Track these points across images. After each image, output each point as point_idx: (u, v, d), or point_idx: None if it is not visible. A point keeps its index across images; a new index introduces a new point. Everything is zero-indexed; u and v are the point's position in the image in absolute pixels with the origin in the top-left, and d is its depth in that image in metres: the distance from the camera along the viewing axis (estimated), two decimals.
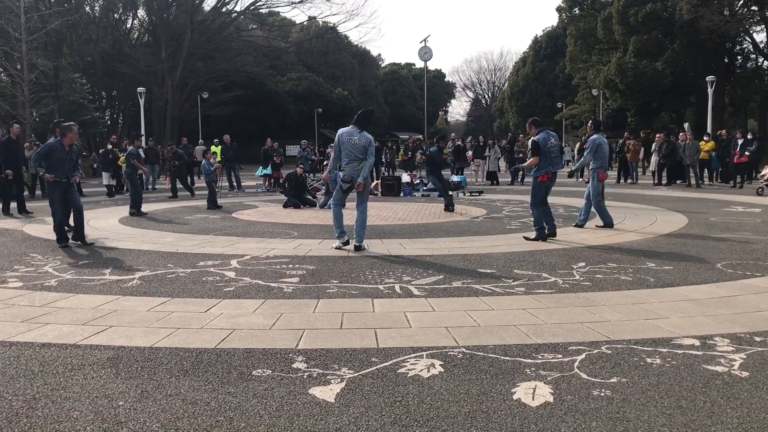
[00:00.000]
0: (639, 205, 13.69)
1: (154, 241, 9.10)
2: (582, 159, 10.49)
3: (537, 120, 9.34)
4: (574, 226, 10.28)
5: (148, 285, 6.18)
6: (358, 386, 3.51)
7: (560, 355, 4.01)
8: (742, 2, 37.28)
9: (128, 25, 48.65)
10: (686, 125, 23.79)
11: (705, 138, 20.08)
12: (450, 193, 15.15)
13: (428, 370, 3.75)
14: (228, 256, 7.80)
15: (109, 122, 45.15)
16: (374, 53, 78.43)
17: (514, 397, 3.36)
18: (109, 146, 19.49)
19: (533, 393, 3.41)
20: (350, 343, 4.29)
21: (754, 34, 43.36)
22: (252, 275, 6.59)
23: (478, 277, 6.47)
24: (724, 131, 20.45)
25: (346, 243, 8.16)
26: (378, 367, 3.81)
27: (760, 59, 43.63)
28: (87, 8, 42.77)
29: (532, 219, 9.12)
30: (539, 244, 8.61)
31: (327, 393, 3.41)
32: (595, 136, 10.09)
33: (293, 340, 4.35)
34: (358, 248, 8.01)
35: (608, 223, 10.12)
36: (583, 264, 7.12)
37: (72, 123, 9.36)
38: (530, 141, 9.15)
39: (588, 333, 4.50)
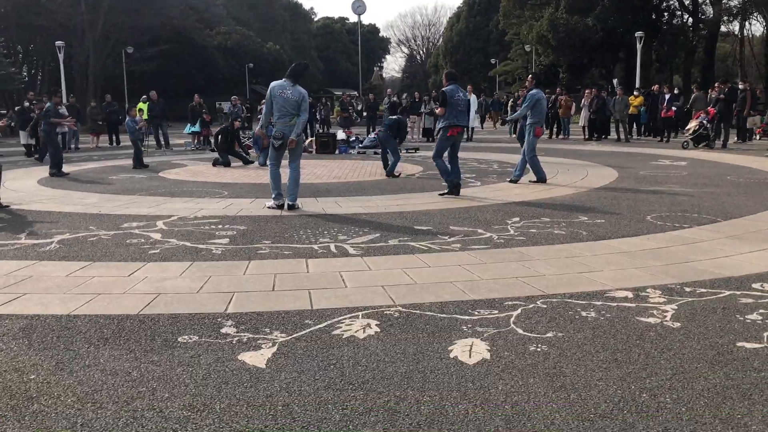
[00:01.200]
0: (571, 160, 13.89)
1: (75, 203, 8.64)
2: (519, 111, 10.47)
3: (450, 72, 9.47)
4: (509, 181, 10.32)
5: (68, 249, 5.83)
6: (290, 350, 3.37)
7: (496, 311, 3.97)
8: None
9: None
10: (615, 81, 24.18)
11: (635, 93, 20.48)
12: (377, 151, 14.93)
13: (364, 331, 3.64)
14: (154, 217, 7.46)
15: (26, 78, 42.78)
16: (306, 6, 76.82)
17: (451, 355, 3.29)
18: (26, 103, 18.41)
19: (470, 350, 3.35)
20: (283, 305, 4.13)
21: None
22: (179, 237, 6.31)
23: (414, 234, 6.38)
24: (656, 86, 20.85)
25: (281, 206, 7.90)
26: (312, 329, 3.68)
27: (686, 16, 44.80)
28: None
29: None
30: (473, 199, 8.59)
31: (257, 358, 3.26)
32: (534, 91, 10.07)
33: (222, 303, 4.16)
34: (291, 207, 7.80)
35: (541, 179, 10.20)
36: (518, 219, 7.13)
37: None
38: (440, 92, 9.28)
39: (523, 288, 4.48)
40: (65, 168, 12.56)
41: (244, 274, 4.92)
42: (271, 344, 3.45)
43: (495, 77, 57.69)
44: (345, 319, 3.85)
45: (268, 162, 8.19)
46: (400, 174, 11.67)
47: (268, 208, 7.87)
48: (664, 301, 4.17)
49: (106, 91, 31.04)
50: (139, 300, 4.25)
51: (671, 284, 4.55)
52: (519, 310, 3.98)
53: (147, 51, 43.12)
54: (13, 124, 14.65)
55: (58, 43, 29.04)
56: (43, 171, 12.58)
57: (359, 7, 46.08)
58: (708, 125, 16.58)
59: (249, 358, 3.27)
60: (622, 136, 19.91)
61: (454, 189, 8.84)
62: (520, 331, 3.63)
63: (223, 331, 3.66)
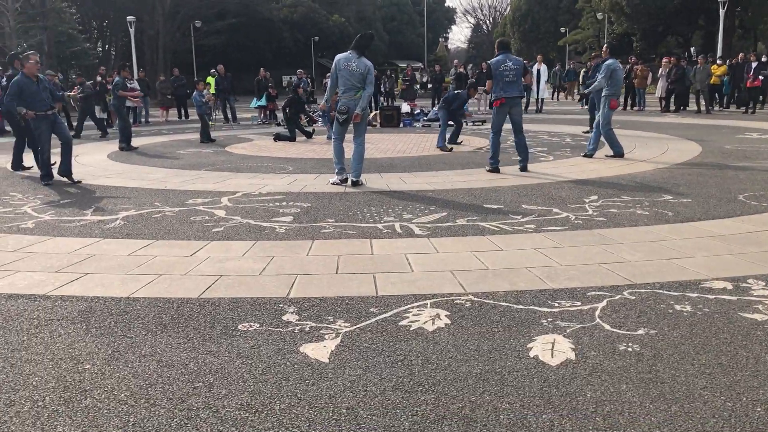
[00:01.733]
0: (648, 133, 13.15)
1: (142, 178, 8.65)
2: (596, 83, 9.88)
3: (501, 41, 8.85)
4: (583, 156, 9.80)
5: (132, 226, 5.77)
6: (355, 342, 3.13)
7: (579, 303, 3.63)
8: None
9: None
10: (692, 49, 22.70)
11: (718, 62, 19.28)
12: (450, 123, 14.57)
13: (433, 322, 3.38)
14: (219, 193, 7.36)
15: (101, 54, 43.95)
16: None
17: (531, 354, 2.99)
18: (99, 78, 18.75)
19: (552, 349, 3.04)
20: (347, 290, 3.90)
21: None
22: (243, 214, 6.17)
23: (484, 213, 6.04)
24: (741, 54, 19.57)
25: (345, 180, 7.67)
26: (377, 318, 3.44)
27: None
28: None
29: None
30: (546, 175, 8.15)
31: (320, 351, 3.04)
32: (610, 61, 9.48)
33: (285, 287, 3.96)
34: (355, 183, 7.57)
35: (618, 153, 9.64)
36: (596, 197, 6.69)
37: (31, 51, 8.79)
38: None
39: (607, 276, 4.11)
40: (134, 142, 12.71)
41: (308, 255, 4.72)
42: (334, 335, 3.22)
43: (565, 46, 55.83)
44: (412, 308, 3.59)
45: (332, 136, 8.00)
46: (452, 149, 11.28)
47: (332, 184, 7.66)
48: None
49: (176, 66, 31.57)
50: (200, 282, 4.10)
51: None
52: (604, 302, 3.63)
53: (215, 24, 43.56)
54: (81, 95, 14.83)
55: (129, 18, 29.57)
56: (113, 145, 12.77)
57: None
58: None
59: (311, 350, 3.05)
60: (703, 108, 18.82)
61: (493, 171, 8.48)
62: (607, 326, 3.29)
63: (285, 318, 3.46)
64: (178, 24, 41.37)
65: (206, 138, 13.38)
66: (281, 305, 3.66)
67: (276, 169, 9.29)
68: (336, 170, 7.76)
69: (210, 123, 17.46)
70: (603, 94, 9.49)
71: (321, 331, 3.28)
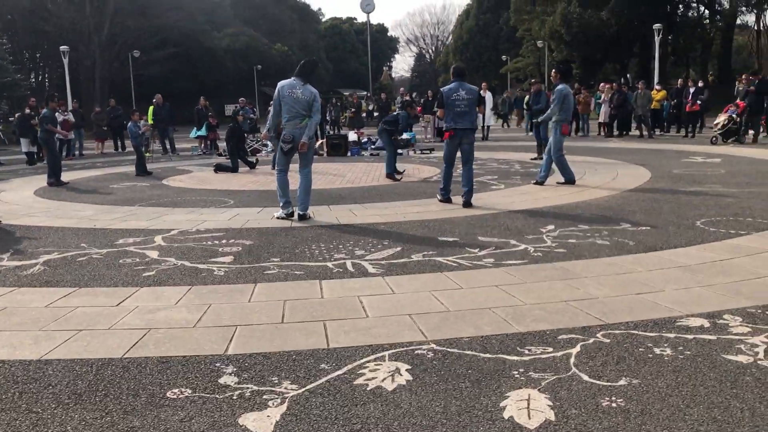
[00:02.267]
0: (596, 158, 13.15)
1: (70, 216, 8.03)
2: (549, 111, 9.72)
3: (456, 67, 8.26)
4: (534, 183, 9.62)
5: (53, 272, 5.21)
6: (303, 409, 2.71)
7: (551, 349, 3.30)
8: None
9: None
10: (628, 75, 23.09)
11: (657, 87, 19.68)
12: (399, 152, 14.29)
13: (393, 379, 2.98)
14: (153, 231, 6.82)
15: (34, 84, 42.43)
16: (314, 7, 76.22)
17: (505, 414, 2.62)
18: (28, 110, 17.86)
19: (528, 407, 2.67)
20: (294, 343, 3.47)
21: None
22: (178, 255, 5.67)
23: (439, 247, 5.71)
24: (680, 80, 20.04)
25: (291, 214, 7.24)
26: (329, 377, 3.02)
27: (701, 8, 43.84)
28: None
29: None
30: (499, 205, 7.90)
31: (263, 424, 2.60)
32: (561, 86, 9.36)
33: (222, 342, 3.51)
34: (302, 217, 7.14)
35: (570, 180, 9.50)
36: (552, 227, 6.44)
37: None
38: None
39: (577, 315, 3.80)
40: (66, 176, 12.01)
41: (249, 301, 4.27)
42: (279, 401, 2.79)
43: (506, 74, 56.85)
44: (369, 362, 3.19)
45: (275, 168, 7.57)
46: (401, 177, 10.95)
47: (277, 218, 7.22)
48: (749, 332, 3.48)
49: (114, 96, 30.54)
50: (125, 338, 3.61)
51: (750, 308, 3.85)
52: (578, 347, 3.30)
53: (154, 54, 42.62)
54: (14, 131, 14.04)
55: (63, 47, 28.63)
56: (42, 180, 12.00)
57: (368, 6, 45.57)
58: (737, 119, 15.78)
59: (252, 422, 2.61)
60: (645, 132, 19.12)
61: (444, 202, 8.15)
62: (585, 377, 2.95)
63: (222, 381, 3.01)
64: (115, 54, 40.33)
65: (142, 170, 12.75)
66: (218, 364, 3.21)
67: (216, 203, 8.78)
68: (281, 204, 7.32)
69: (147, 155, 16.78)
70: (553, 119, 9.36)
71: (264, 397, 2.84)
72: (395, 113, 12.19)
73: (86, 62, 38.07)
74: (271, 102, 8.15)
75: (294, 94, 6.97)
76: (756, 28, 45.56)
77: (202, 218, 7.53)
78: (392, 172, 11.05)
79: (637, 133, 19.43)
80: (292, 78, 7.11)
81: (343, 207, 8.12)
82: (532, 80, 15.88)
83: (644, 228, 6.27)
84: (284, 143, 7.10)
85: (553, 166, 9.52)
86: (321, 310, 4.02)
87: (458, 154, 8.13)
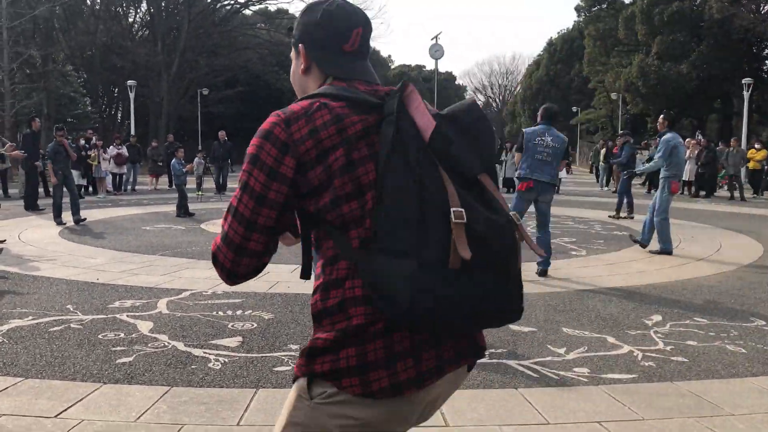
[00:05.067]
0: (687, 222, 11.47)
1: (78, 263, 6.97)
2: (653, 163, 8.31)
3: (547, 108, 6.91)
4: (636, 241, 8.10)
5: (9, 348, 4.05)
6: None
7: None
8: None
9: (130, 19, 46.79)
10: (698, 133, 21.18)
11: (756, 146, 17.79)
12: None
13: None
14: (160, 291, 5.65)
15: (105, 118, 43.23)
16: (384, 54, 76.44)
17: None
18: (82, 142, 17.42)
19: None
20: None
21: None
22: (176, 330, 4.45)
23: (511, 340, 4.31)
24: None
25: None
26: None
27: None
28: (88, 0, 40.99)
29: (555, 239, 6.96)
30: (583, 279, 6.44)
31: None
32: (669, 136, 7.91)
33: None
34: None
35: (667, 250, 7.96)
36: (660, 318, 4.95)
37: None
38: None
39: None
40: (107, 212, 11.13)
41: (239, 423, 2.98)
42: None
43: (577, 126, 55.14)
44: None
45: None
46: None
47: None
48: None
49: (183, 133, 30.51)
50: None
51: None
52: None
53: (223, 92, 42.94)
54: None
55: (130, 82, 28.75)
56: (85, 214, 11.07)
57: (437, 52, 44.79)
58: None
59: None
60: (737, 194, 17.23)
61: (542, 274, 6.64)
62: None
63: None
64: (183, 91, 40.71)
65: (183, 212, 11.78)
66: None
67: None
68: None
69: (199, 193, 16.03)
70: (662, 175, 7.92)
71: None
72: None
73: (155, 98, 38.47)
74: None
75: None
76: None
77: None
78: None
79: (728, 194, 17.55)
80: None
81: None
82: (621, 131, 14.31)
83: None
84: None
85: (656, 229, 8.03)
86: None
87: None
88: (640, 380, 3.61)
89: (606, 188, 20.60)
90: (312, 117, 1.32)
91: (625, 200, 12.18)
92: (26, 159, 13.19)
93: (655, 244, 8.09)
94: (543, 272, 6.59)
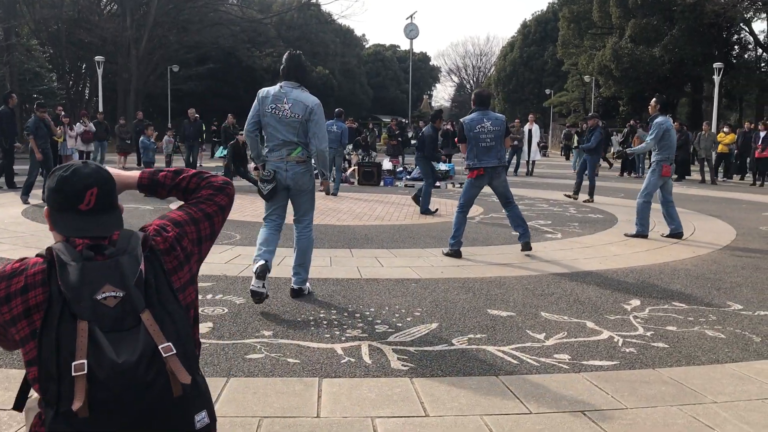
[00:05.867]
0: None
1: (40, 245, 6.71)
2: (644, 144, 8.28)
3: (479, 93, 6.83)
4: (669, 236, 7.94)
5: None
6: None
7: None
8: None
9: None
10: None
11: (725, 129, 17.97)
12: (437, 184, 12.94)
13: None
14: None
15: (73, 95, 42.18)
16: (358, 33, 75.98)
17: None
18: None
19: None
20: None
21: (753, 24, 41.70)
22: None
23: (490, 326, 4.22)
24: (748, 123, 18.35)
25: (261, 276, 4.46)
26: None
27: (759, 50, 41.88)
28: None
29: (530, 222, 6.87)
30: (560, 262, 6.40)
31: None
32: (661, 119, 7.89)
33: None
34: (296, 293, 4.86)
35: (643, 233, 7.96)
36: (638, 303, 4.91)
37: None
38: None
39: None
40: None
41: None
42: None
43: (549, 108, 55.34)
44: None
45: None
46: (437, 210, 9.95)
47: (251, 290, 4.52)
48: None
49: (152, 110, 29.83)
50: None
51: None
52: None
53: (193, 69, 42.16)
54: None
55: (98, 58, 28.04)
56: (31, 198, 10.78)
57: (412, 31, 44.55)
58: None
59: None
60: (708, 177, 17.42)
61: (452, 255, 6.57)
62: None
63: None
64: (153, 67, 39.85)
65: None
66: None
67: (220, 238, 7.41)
68: (254, 268, 4.53)
69: None
70: (653, 158, 7.92)
71: None
72: (421, 131, 10.88)
73: (124, 75, 37.59)
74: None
75: (281, 110, 4.64)
76: None
77: None
78: (427, 208, 9.72)
79: (699, 178, 17.73)
80: (281, 83, 4.75)
81: (367, 252, 6.70)
82: (589, 114, 14.29)
83: (763, 313, 4.70)
84: (263, 182, 4.75)
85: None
86: None
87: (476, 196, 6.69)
88: (621, 367, 3.55)
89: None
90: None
91: (583, 182, 12.09)
92: (4, 138, 12.60)
93: (632, 226, 8.08)
94: (526, 245, 6.62)
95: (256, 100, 4.73)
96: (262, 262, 4.50)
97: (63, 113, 19.27)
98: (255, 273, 4.46)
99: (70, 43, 40.44)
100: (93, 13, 40.72)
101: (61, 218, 1.62)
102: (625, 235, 8.05)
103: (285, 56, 4.84)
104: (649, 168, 8.23)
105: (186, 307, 1.67)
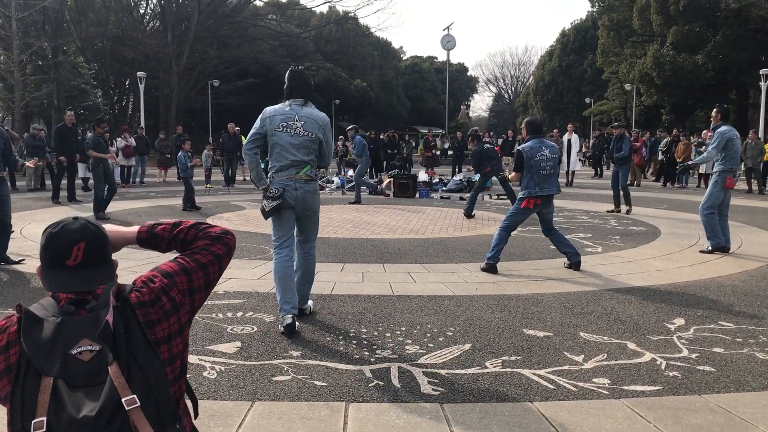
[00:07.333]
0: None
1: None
2: (705, 154, 8.02)
3: (531, 121, 6.78)
4: (712, 250, 7.57)
5: None
6: None
7: None
8: None
9: (141, 11, 46.62)
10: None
11: None
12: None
13: None
14: None
15: (117, 110, 43.18)
16: (396, 45, 76.03)
17: None
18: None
19: None
20: None
21: None
22: None
23: (525, 347, 4.07)
24: None
25: (292, 325, 4.27)
26: None
27: None
28: None
29: (561, 246, 6.68)
30: (600, 277, 6.19)
31: None
32: (724, 128, 7.61)
33: None
34: (300, 313, 4.65)
35: (720, 246, 7.52)
36: (683, 322, 4.69)
37: None
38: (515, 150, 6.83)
39: None
40: (114, 205, 11.04)
41: None
42: None
43: (590, 117, 54.56)
44: None
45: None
46: (474, 214, 11.10)
47: (281, 331, 4.31)
48: None
49: (194, 124, 30.27)
50: None
51: None
52: None
53: (233, 84, 42.77)
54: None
55: (140, 74, 28.63)
56: (83, 211, 10.99)
57: (449, 42, 44.53)
58: None
59: None
60: (755, 187, 16.85)
61: (488, 271, 6.44)
62: None
63: None
64: (194, 82, 40.54)
65: (190, 205, 11.60)
66: None
67: (253, 253, 7.41)
68: (280, 307, 4.44)
69: (208, 186, 15.87)
70: (715, 169, 7.69)
71: None
72: (485, 146, 11.89)
73: (165, 90, 38.33)
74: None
75: (293, 126, 4.51)
76: None
77: (227, 274, 6.14)
78: (470, 211, 11.03)
79: (745, 187, 17.16)
80: (288, 101, 4.64)
81: (400, 268, 6.58)
82: (614, 123, 13.88)
83: None
84: (268, 199, 4.54)
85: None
86: None
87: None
88: (664, 393, 3.36)
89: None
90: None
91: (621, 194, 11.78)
92: (62, 154, 13.10)
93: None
94: (576, 264, 6.53)
95: (259, 120, 4.60)
96: (290, 319, 4.30)
97: (106, 129, 19.65)
98: (284, 331, 4.26)
99: (115, 60, 41.49)
100: (136, 30, 41.64)
101: (50, 275, 1.61)
102: (701, 252, 7.64)
103: (288, 74, 4.74)
104: (710, 179, 7.94)
105: (171, 358, 1.61)
